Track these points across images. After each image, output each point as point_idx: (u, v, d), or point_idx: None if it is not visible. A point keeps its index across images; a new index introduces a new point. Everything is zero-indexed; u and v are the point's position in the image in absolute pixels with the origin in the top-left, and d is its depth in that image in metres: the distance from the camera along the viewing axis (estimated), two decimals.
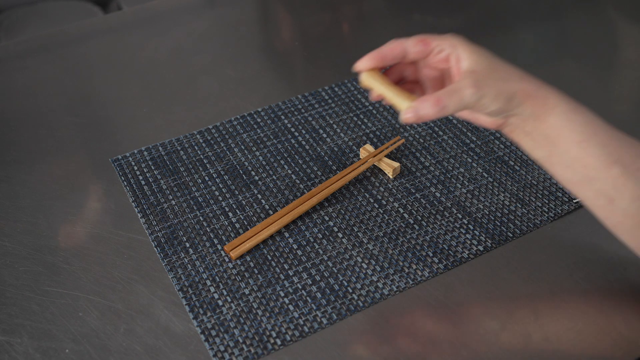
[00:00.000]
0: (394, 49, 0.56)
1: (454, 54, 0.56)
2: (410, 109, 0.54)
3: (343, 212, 0.74)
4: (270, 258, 0.69)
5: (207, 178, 0.78)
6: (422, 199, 0.75)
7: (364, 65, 0.57)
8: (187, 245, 0.71)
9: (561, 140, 0.56)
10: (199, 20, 1.06)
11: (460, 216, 0.73)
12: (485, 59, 0.55)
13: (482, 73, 0.54)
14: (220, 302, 0.65)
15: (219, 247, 0.70)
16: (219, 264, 0.69)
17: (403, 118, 0.54)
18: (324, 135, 0.83)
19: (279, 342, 0.62)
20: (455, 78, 0.56)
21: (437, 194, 0.75)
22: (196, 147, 0.82)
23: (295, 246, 0.70)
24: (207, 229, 0.72)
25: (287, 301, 0.65)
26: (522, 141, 0.59)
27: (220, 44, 1.02)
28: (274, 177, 0.78)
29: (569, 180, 0.58)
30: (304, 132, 0.84)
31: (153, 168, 0.79)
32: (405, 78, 0.61)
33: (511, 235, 0.71)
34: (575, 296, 0.64)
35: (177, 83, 0.93)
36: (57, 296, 0.66)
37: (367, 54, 0.56)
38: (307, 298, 0.66)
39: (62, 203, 0.76)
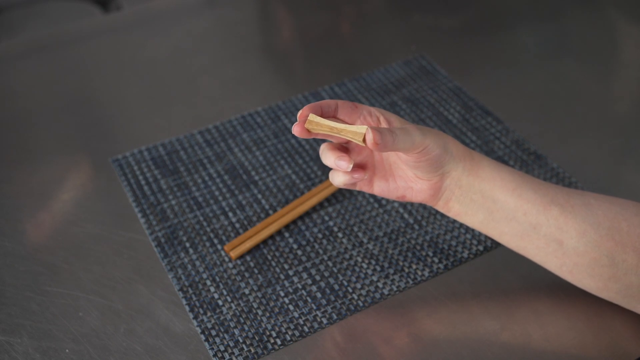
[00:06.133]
0: (328, 102, 0.55)
1: (382, 117, 0.56)
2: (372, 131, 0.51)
3: (343, 212, 0.74)
4: (270, 258, 0.69)
5: (207, 178, 0.78)
6: None
7: (305, 112, 0.53)
8: (187, 245, 0.71)
9: (497, 192, 0.58)
10: (199, 20, 1.06)
11: None
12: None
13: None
14: (220, 302, 0.65)
15: (219, 247, 0.70)
16: (219, 264, 0.69)
17: (371, 138, 0.51)
18: None
19: (279, 342, 0.62)
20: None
21: None
22: (196, 147, 0.82)
23: (295, 246, 0.70)
24: (207, 229, 0.72)
25: (287, 301, 0.65)
26: (462, 205, 0.59)
27: (220, 44, 1.02)
28: (274, 177, 0.78)
29: (515, 234, 0.59)
30: None
31: (153, 168, 0.79)
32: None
33: None
34: (575, 296, 0.64)
35: (177, 83, 0.93)
36: (57, 296, 0.66)
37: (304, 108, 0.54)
38: (307, 298, 0.66)
39: (62, 203, 0.76)
